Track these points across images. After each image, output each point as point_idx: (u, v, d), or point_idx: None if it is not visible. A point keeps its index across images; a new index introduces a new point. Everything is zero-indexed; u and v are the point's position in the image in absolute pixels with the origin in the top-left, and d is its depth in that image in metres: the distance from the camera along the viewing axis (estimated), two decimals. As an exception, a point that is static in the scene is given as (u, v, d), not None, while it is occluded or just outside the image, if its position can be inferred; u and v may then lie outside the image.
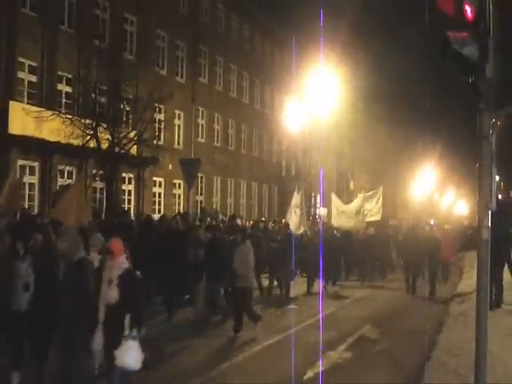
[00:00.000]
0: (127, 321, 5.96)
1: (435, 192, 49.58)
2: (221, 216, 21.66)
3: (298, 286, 16.55)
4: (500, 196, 41.94)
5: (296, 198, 18.47)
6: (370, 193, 22.89)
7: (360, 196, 21.51)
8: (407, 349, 10.17)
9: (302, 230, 17.75)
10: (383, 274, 20.98)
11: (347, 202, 23.86)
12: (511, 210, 14.50)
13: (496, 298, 12.13)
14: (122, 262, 6.24)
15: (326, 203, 22.14)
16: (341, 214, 20.20)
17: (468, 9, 5.19)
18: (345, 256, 19.54)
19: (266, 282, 16.44)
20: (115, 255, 6.20)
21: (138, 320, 6.05)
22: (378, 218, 21.55)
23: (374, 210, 21.42)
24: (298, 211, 17.95)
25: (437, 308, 14.33)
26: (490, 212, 5.70)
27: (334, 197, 21.32)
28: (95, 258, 7.56)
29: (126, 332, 5.94)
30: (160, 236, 13.61)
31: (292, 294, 15.87)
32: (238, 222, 20.95)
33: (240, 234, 11.72)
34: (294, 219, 17.83)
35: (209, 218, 19.30)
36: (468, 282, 16.69)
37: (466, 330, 9.66)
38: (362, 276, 19.75)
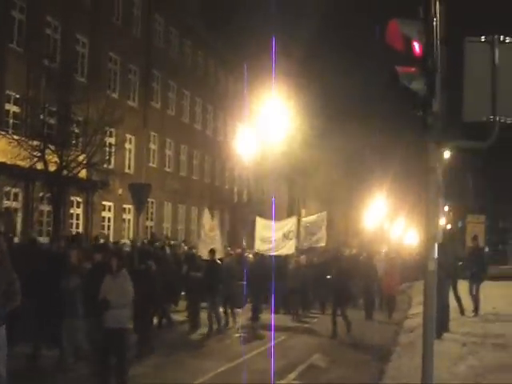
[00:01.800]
0: None
1: (386, 221, 50.38)
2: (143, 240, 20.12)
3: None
4: (449, 226, 43.13)
5: (205, 218, 17.23)
6: (311, 217, 21.78)
7: (289, 220, 19.25)
8: (357, 377, 10.15)
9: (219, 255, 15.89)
10: (322, 308, 18.58)
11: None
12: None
13: (443, 325, 12.30)
14: None
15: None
16: (265, 239, 17.88)
17: (416, 45, 5.32)
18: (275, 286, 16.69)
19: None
20: None
21: None
22: (322, 243, 20.55)
23: (318, 236, 20.29)
24: (202, 234, 16.58)
25: (386, 337, 14.41)
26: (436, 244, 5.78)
27: (259, 220, 18.81)
28: None
29: None
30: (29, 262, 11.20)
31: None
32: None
33: (115, 260, 8.80)
34: (204, 243, 16.30)
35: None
36: (417, 310, 16.85)
37: (414, 359, 9.70)
38: (292, 309, 17.62)
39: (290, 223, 18.63)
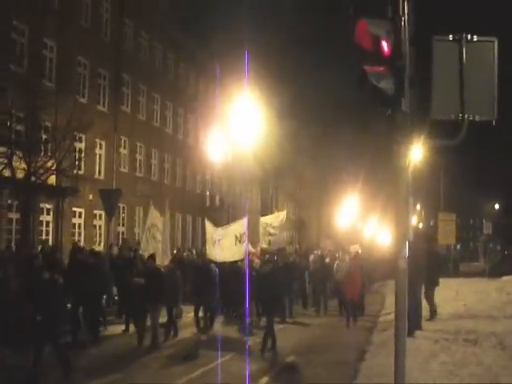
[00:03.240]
0: None
1: (358, 221, 50.79)
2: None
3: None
4: (421, 225, 43.70)
5: (155, 217, 15.70)
6: (269, 217, 20.71)
7: (242, 222, 17.11)
8: (332, 377, 10.16)
9: (166, 263, 14.92)
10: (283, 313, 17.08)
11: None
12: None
13: (416, 323, 12.40)
14: None
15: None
16: (217, 243, 16.34)
17: (384, 44, 5.33)
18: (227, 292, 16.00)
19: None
20: None
21: None
22: (282, 245, 19.69)
23: (277, 237, 19.32)
24: (159, 236, 15.36)
25: (360, 336, 14.46)
26: (407, 242, 5.80)
27: (208, 224, 17.26)
28: None
29: None
30: None
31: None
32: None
33: None
34: (152, 245, 15.14)
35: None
36: (390, 309, 16.96)
37: (388, 357, 9.75)
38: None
39: (242, 225, 16.84)
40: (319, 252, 24.12)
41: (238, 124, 22.20)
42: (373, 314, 18.74)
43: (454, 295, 18.73)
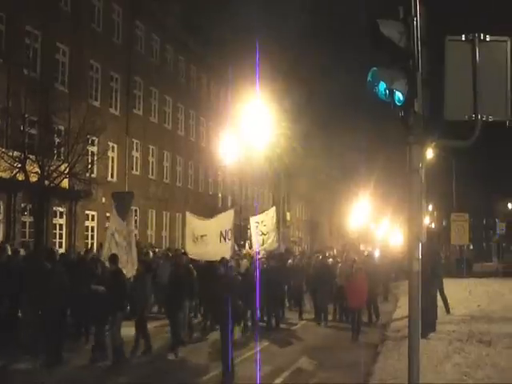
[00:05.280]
0: None
1: (370, 222, 50.62)
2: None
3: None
4: (433, 225, 43.44)
5: (114, 222, 13.70)
6: (260, 215, 18.73)
7: (226, 214, 15.52)
8: (344, 380, 10.09)
9: (130, 273, 12.55)
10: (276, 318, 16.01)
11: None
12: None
13: (430, 325, 12.32)
14: None
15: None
16: (199, 239, 14.69)
17: (397, 46, 5.31)
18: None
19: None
20: None
21: None
22: (274, 246, 18.12)
23: (269, 237, 17.64)
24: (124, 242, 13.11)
25: (373, 338, 14.36)
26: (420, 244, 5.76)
27: (190, 217, 15.53)
28: None
29: None
30: None
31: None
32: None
33: None
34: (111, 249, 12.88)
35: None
36: (402, 310, 16.83)
37: (401, 359, 9.71)
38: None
39: (229, 219, 14.90)
40: (325, 253, 22.46)
41: (249, 125, 22.16)
42: (386, 315, 18.46)
43: (467, 296, 18.61)
